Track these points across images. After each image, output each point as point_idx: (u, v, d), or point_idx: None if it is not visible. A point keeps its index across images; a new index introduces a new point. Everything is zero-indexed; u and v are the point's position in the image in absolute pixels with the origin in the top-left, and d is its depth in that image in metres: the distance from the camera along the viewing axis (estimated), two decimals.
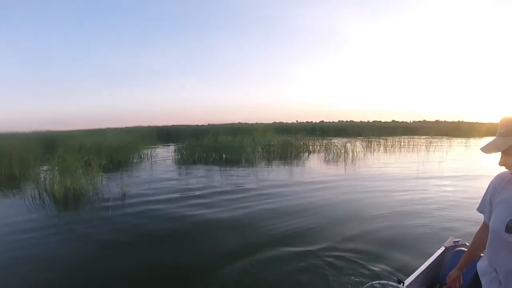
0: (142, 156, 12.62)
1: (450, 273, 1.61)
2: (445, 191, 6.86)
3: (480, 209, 1.34)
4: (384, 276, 3.12)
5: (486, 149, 1.13)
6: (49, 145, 12.61)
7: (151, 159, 12.04)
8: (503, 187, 1.20)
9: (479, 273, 1.31)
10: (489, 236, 1.24)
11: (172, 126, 40.40)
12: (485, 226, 1.35)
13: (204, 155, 12.16)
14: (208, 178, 8.36)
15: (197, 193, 6.60)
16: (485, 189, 1.32)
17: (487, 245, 1.28)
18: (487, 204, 1.28)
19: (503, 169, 1.19)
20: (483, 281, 1.27)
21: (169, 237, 4.19)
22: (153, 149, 14.54)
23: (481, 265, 1.31)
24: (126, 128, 31.00)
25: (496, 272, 1.20)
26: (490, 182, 1.28)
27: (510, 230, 1.10)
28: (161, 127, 35.78)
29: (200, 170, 9.57)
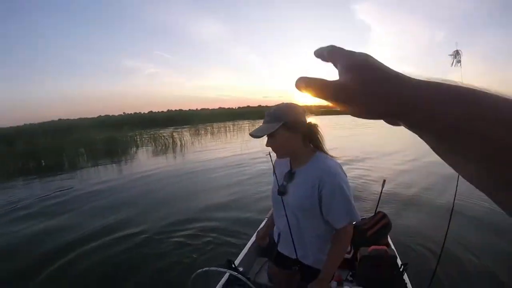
0: None
1: (259, 231, 1.89)
2: (261, 164, 8.00)
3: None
4: (217, 256, 3.47)
5: (255, 133, 1.31)
6: None
7: None
8: (276, 164, 1.56)
9: (274, 237, 1.65)
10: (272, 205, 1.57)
11: None
12: None
13: (20, 164, 10.77)
14: (25, 189, 7.83)
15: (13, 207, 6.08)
16: None
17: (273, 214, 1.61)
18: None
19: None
20: (276, 240, 1.61)
21: None
22: None
23: (272, 231, 1.69)
24: None
25: (279, 229, 1.55)
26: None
27: (280, 193, 1.43)
28: None
29: (16, 182, 8.58)
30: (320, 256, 1.40)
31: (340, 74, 0.30)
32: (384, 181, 2.80)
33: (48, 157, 11.12)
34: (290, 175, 1.43)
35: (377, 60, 0.29)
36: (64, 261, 3.68)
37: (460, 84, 0.24)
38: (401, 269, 2.05)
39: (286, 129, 1.28)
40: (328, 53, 0.32)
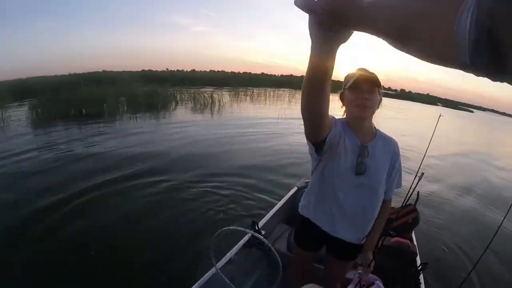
0: None
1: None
2: (297, 133, 8.06)
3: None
4: (239, 214, 3.49)
5: (367, 76, 1.17)
6: None
7: (3, 122, 9.72)
8: (347, 133, 1.25)
9: (313, 219, 1.38)
10: (331, 181, 1.27)
11: (28, 78, 34.26)
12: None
13: (63, 110, 10.88)
14: (63, 132, 8.15)
15: (51, 147, 6.56)
16: None
17: (318, 193, 1.35)
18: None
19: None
20: (326, 225, 1.34)
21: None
22: (5, 109, 11.65)
23: (317, 212, 1.37)
24: None
25: (331, 212, 1.30)
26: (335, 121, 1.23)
27: (358, 172, 1.22)
28: (12, 81, 29.99)
29: (56, 127, 8.86)
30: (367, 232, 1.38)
31: None
32: (422, 174, 2.41)
33: (89, 106, 11.26)
34: (363, 150, 1.25)
35: None
36: (87, 199, 3.89)
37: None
38: (419, 268, 1.97)
39: (379, 94, 1.23)
40: None
